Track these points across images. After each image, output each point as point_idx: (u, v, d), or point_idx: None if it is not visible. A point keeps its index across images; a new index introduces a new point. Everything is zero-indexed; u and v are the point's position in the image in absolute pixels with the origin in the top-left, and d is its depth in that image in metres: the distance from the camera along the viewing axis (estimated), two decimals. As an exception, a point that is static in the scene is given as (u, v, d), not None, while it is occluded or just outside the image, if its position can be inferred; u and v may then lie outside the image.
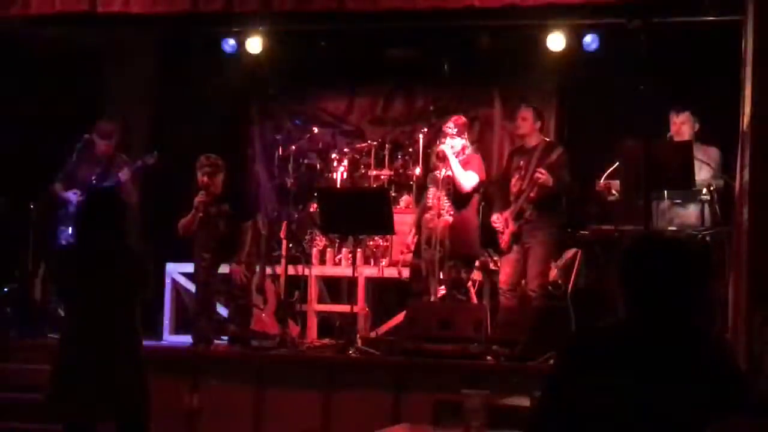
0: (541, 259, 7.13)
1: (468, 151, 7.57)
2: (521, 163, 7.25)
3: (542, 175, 7.01)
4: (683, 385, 2.54)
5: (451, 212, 7.38)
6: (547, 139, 7.54)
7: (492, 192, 7.77)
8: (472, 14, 7.46)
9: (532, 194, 7.11)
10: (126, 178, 7.77)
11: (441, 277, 7.34)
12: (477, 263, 7.74)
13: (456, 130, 7.52)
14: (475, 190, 7.50)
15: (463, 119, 7.74)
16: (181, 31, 8.96)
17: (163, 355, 7.25)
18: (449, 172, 7.39)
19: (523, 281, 7.24)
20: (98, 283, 4.65)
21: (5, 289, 8.21)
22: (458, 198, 7.42)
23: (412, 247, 7.69)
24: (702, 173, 6.77)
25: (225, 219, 7.47)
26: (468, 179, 7.39)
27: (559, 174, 7.11)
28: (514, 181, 7.28)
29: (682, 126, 7.06)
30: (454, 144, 7.48)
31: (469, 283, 7.75)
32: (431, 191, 7.52)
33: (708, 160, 6.89)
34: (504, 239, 7.20)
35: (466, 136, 7.65)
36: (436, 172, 7.53)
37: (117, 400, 4.67)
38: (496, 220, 7.28)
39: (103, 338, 4.64)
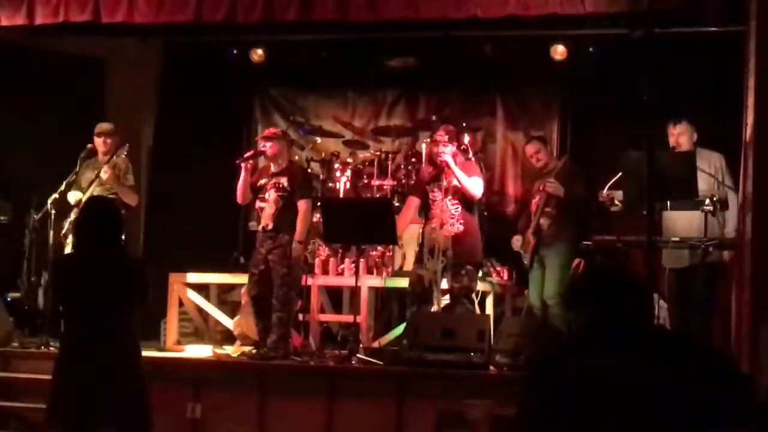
0: (556, 268, 7.22)
1: (460, 158, 7.57)
2: (541, 186, 7.37)
3: (552, 184, 7.14)
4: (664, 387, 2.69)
5: (461, 221, 7.39)
6: (564, 162, 7.55)
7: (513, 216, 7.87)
8: (475, 24, 7.48)
9: (547, 208, 7.24)
10: (105, 176, 7.68)
11: (445, 286, 7.35)
12: (480, 272, 7.76)
13: (447, 137, 7.51)
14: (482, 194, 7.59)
15: (452, 127, 7.73)
16: (185, 40, 8.99)
17: (166, 364, 7.25)
18: (453, 181, 7.39)
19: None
20: (97, 292, 4.65)
21: (8, 298, 8.22)
22: (466, 206, 7.44)
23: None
24: (702, 183, 6.78)
25: (278, 191, 7.38)
26: (475, 185, 7.42)
27: (570, 185, 7.21)
28: (534, 201, 7.42)
29: (680, 137, 7.11)
30: (446, 151, 7.47)
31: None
32: (434, 202, 7.53)
33: (709, 169, 6.91)
34: (527, 257, 7.36)
35: (455, 144, 7.63)
36: (443, 182, 7.52)
37: (116, 410, 4.67)
38: (515, 241, 7.43)
39: (102, 347, 4.65)
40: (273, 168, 7.50)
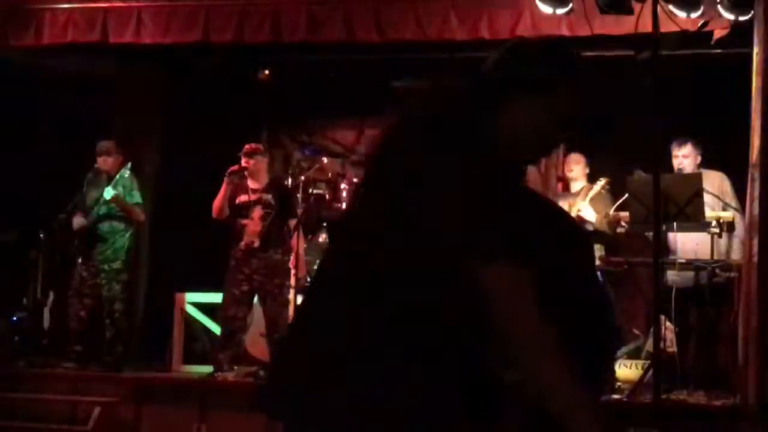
0: None
1: None
2: (565, 206, 7.35)
3: (584, 211, 7.26)
4: None
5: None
6: (593, 186, 7.55)
7: None
8: (481, 46, 7.49)
9: None
10: (109, 196, 7.65)
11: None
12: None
13: None
14: None
15: None
16: (192, 61, 9.02)
17: (171, 385, 7.23)
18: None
19: None
20: None
21: (14, 319, 8.22)
22: None
23: None
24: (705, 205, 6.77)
25: (264, 208, 7.34)
26: None
27: (600, 210, 7.22)
28: None
29: (684, 159, 7.07)
30: None
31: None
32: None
33: (713, 190, 6.89)
34: None
35: None
36: None
37: None
38: None
39: None
40: (253, 184, 7.45)
